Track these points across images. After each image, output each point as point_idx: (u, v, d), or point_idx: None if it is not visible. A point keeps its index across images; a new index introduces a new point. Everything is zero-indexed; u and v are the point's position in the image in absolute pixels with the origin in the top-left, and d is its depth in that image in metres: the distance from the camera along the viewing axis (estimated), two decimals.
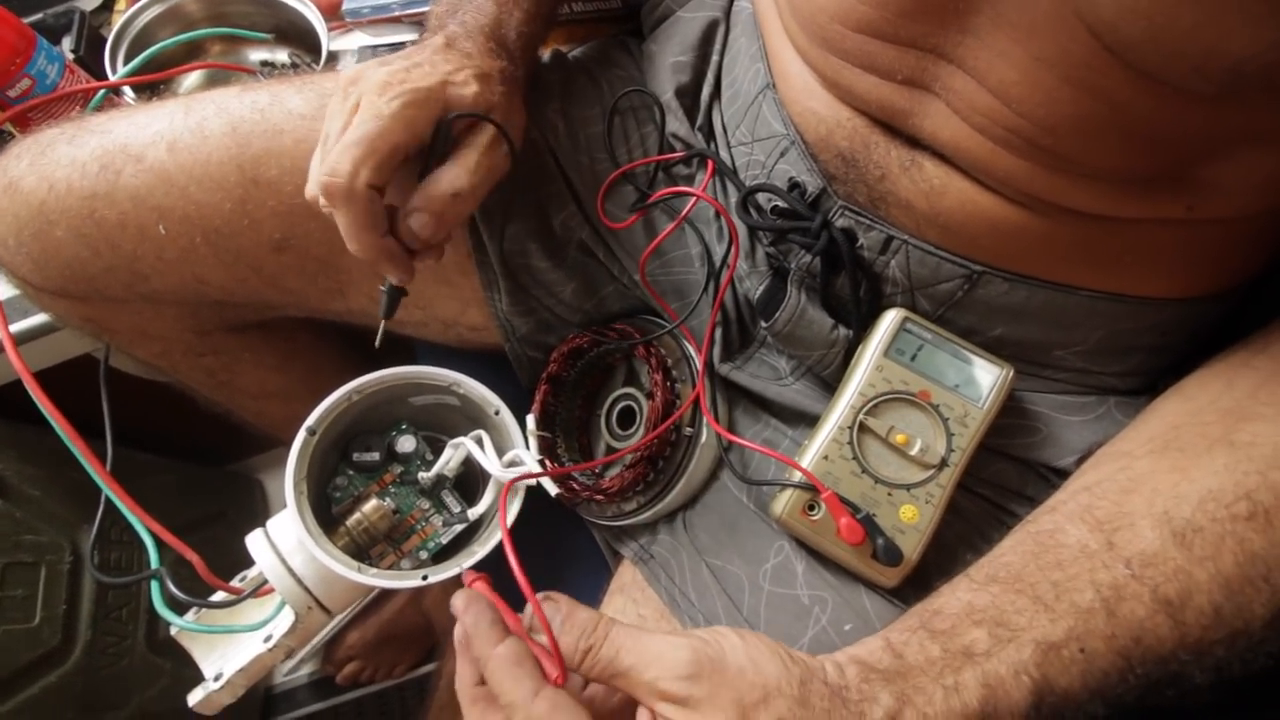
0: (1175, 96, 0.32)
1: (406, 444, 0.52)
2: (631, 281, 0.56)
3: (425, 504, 0.51)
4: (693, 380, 0.52)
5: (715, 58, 0.55)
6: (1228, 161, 0.36)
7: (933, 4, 0.36)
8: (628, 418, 0.57)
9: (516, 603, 0.38)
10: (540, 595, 0.37)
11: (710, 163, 0.52)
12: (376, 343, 0.49)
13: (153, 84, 0.70)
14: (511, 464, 0.49)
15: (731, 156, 0.52)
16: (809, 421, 0.49)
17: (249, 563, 0.47)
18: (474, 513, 0.51)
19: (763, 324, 0.50)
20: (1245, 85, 0.31)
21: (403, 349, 0.60)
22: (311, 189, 0.43)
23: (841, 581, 0.45)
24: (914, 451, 0.44)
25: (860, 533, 0.42)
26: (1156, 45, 0.31)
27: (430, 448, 0.53)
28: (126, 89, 0.68)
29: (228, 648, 0.48)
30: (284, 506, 0.45)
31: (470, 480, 0.54)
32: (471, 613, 0.37)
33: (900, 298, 0.46)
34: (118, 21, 0.71)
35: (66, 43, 0.71)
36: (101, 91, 0.67)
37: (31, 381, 0.49)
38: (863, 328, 0.47)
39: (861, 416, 0.44)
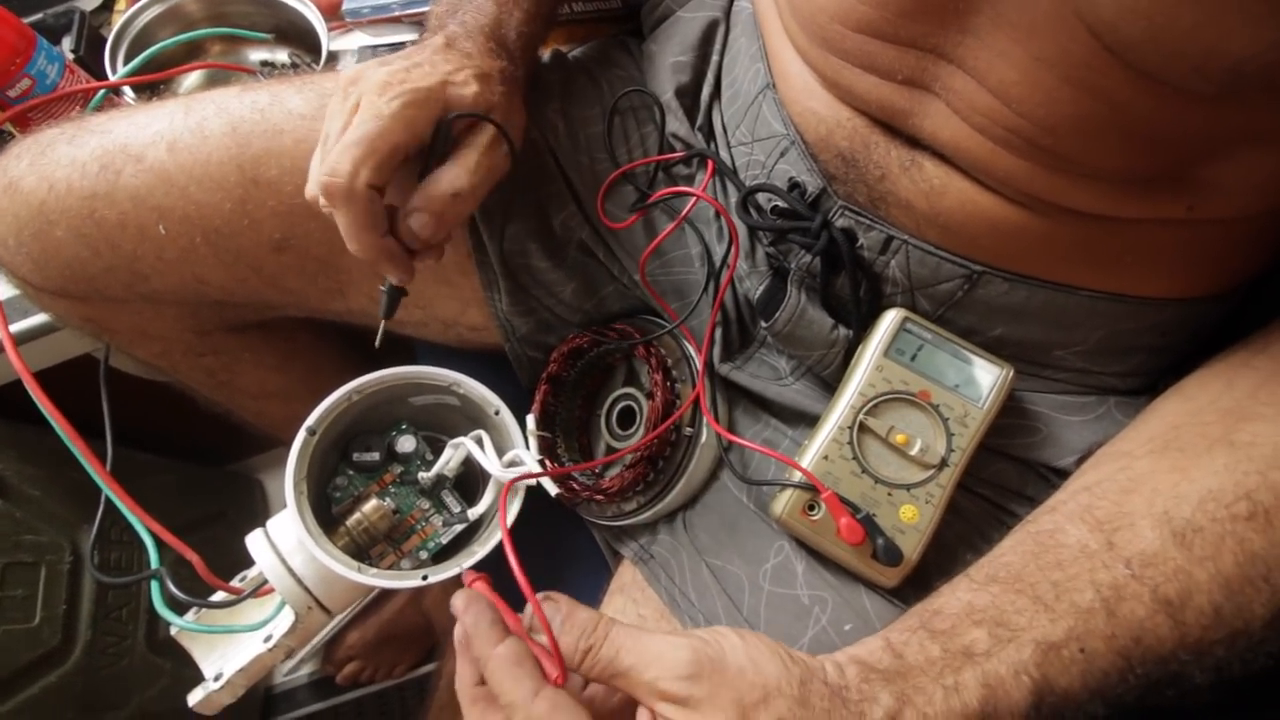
0: (1175, 96, 0.32)
1: (406, 444, 0.52)
2: (631, 281, 0.56)
3: (425, 504, 0.51)
4: (693, 380, 0.52)
5: (715, 58, 0.55)
6: (1228, 161, 0.36)
7: (933, 4, 0.36)
8: (628, 418, 0.57)
9: (516, 603, 0.38)
10: (540, 595, 0.37)
11: (710, 163, 0.52)
12: (376, 343, 0.49)
13: (153, 84, 0.70)
14: (511, 464, 0.49)
15: (731, 156, 0.52)
16: (809, 421, 0.49)
17: (249, 563, 0.47)
18: (474, 513, 0.51)
19: (763, 324, 0.50)
20: (1245, 85, 0.31)
21: (403, 349, 0.60)
22: (311, 189, 0.43)
23: (841, 581, 0.45)
24: (914, 451, 0.44)
25: (860, 533, 0.42)
26: (1157, 45, 0.31)
27: (430, 448, 0.53)
28: (126, 89, 0.68)
29: (228, 648, 0.48)
30: (284, 506, 0.45)
31: (470, 480, 0.54)
32: (471, 613, 0.37)
33: (900, 298, 0.46)
34: (118, 21, 0.72)
35: (66, 43, 0.71)
36: (101, 91, 0.67)
37: (31, 381, 0.49)
38: (863, 328, 0.47)
39: (861, 416, 0.44)
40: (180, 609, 0.46)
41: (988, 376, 0.44)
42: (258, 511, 1.08)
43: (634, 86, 0.57)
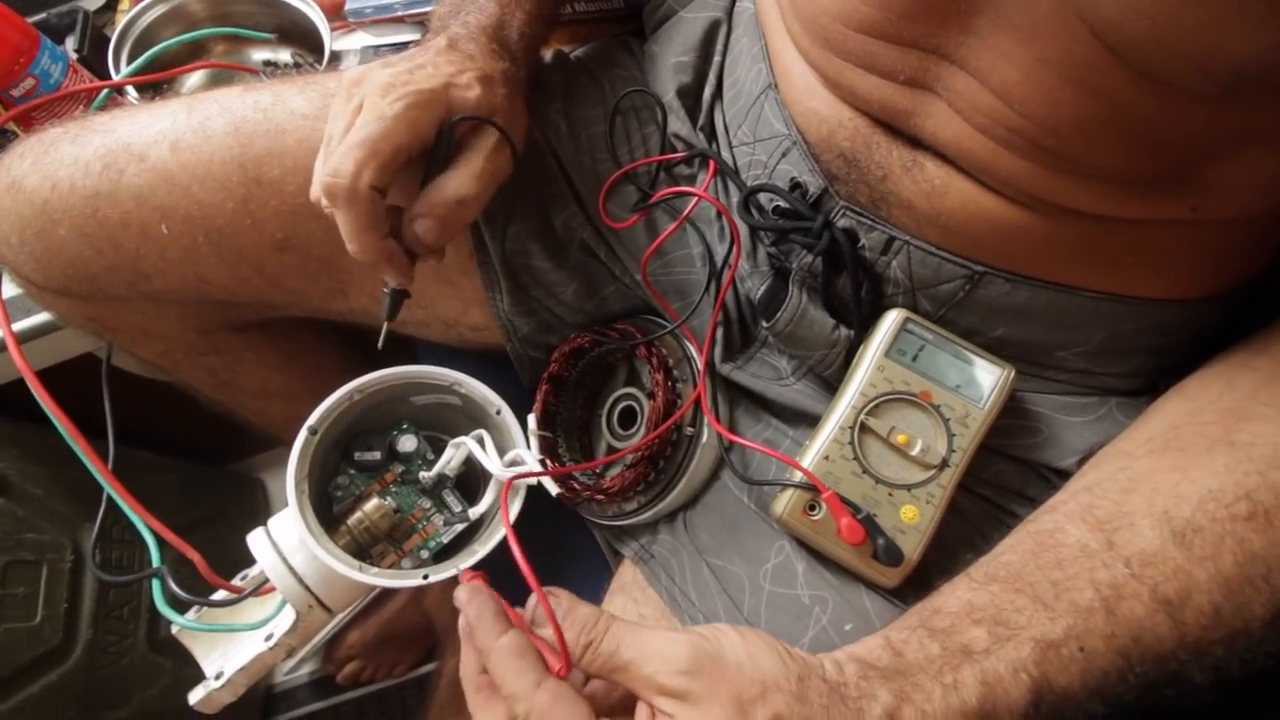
0: (1177, 97, 0.32)
1: (408, 443, 0.52)
2: (633, 281, 0.56)
3: (426, 503, 0.51)
4: (694, 380, 0.52)
5: (717, 58, 0.55)
6: (1230, 162, 0.36)
7: (935, 5, 0.36)
8: (629, 418, 0.57)
9: (516, 600, 0.38)
10: (543, 591, 0.37)
11: (712, 163, 0.52)
12: (379, 344, 0.49)
13: (156, 84, 0.70)
14: (513, 463, 0.49)
15: (733, 156, 0.52)
16: (810, 422, 0.49)
17: (250, 562, 0.47)
18: (475, 512, 0.51)
19: (764, 324, 0.50)
20: (1247, 86, 0.31)
21: (404, 348, 0.60)
22: (315, 190, 0.43)
23: (842, 581, 0.45)
24: (915, 452, 0.44)
25: (861, 533, 0.42)
26: (1159, 46, 0.31)
27: (431, 447, 0.53)
28: (130, 89, 0.69)
29: (229, 646, 0.48)
30: (285, 506, 0.46)
31: (471, 480, 0.54)
32: (474, 605, 0.38)
33: (902, 298, 0.46)
34: (121, 21, 0.72)
35: (70, 42, 0.71)
36: (105, 91, 0.67)
37: (34, 380, 0.49)
38: (864, 328, 0.47)
39: (863, 417, 0.45)
40: (181, 607, 0.46)
41: (989, 377, 0.44)
42: (259, 511, 1.09)
43: (636, 87, 0.57)
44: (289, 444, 0.47)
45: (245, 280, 0.55)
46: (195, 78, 0.75)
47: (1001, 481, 0.46)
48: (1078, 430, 0.45)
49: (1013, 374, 0.44)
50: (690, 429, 0.51)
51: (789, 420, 0.51)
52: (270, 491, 1.12)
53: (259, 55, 0.78)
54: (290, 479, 0.45)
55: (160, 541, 0.45)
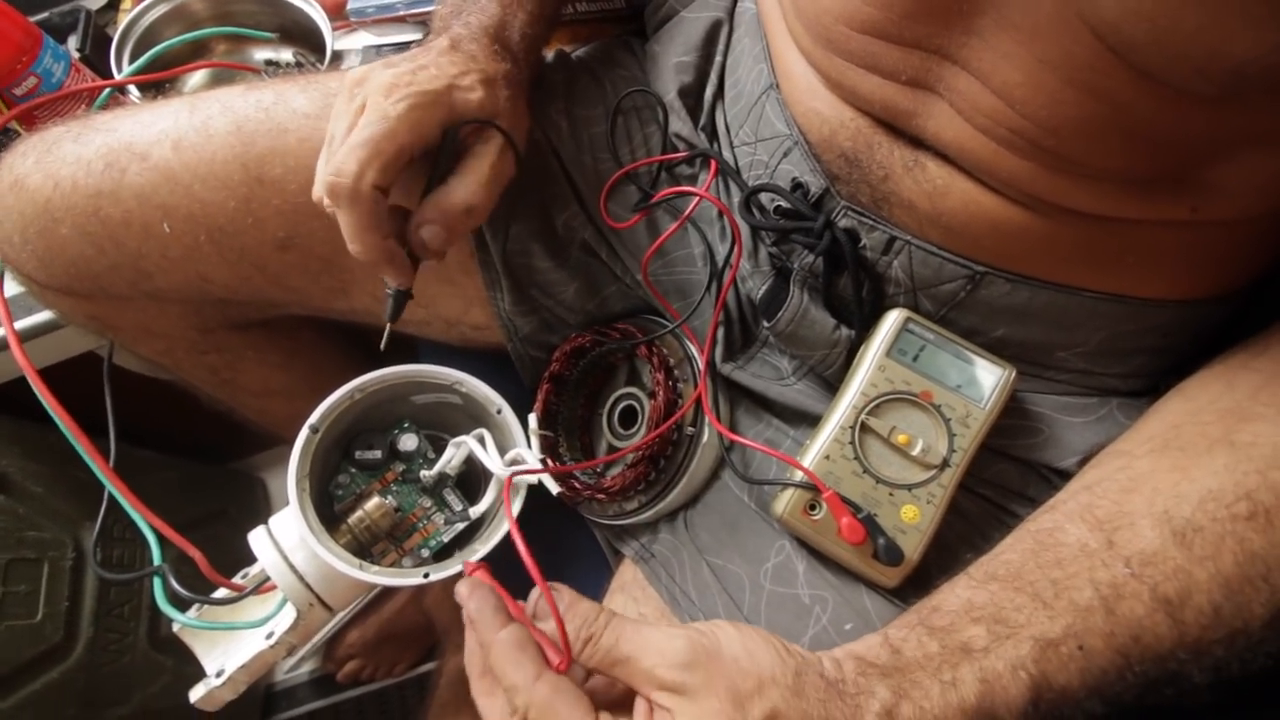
0: (1178, 98, 0.33)
1: (409, 442, 0.52)
2: (634, 281, 0.56)
3: (427, 502, 0.51)
4: (695, 380, 0.52)
5: (719, 58, 0.55)
6: (1231, 163, 0.36)
7: (937, 6, 0.36)
8: (629, 417, 0.57)
9: (518, 595, 0.39)
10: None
11: (713, 163, 0.52)
12: (382, 345, 0.49)
13: (158, 83, 0.70)
14: (513, 462, 0.49)
15: (734, 156, 0.52)
16: (811, 421, 0.49)
17: (251, 560, 0.47)
18: (475, 511, 0.51)
19: (765, 324, 0.50)
20: (1248, 87, 0.31)
21: (405, 347, 0.61)
22: (317, 190, 0.43)
23: (842, 581, 0.45)
24: (915, 452, 0.44)
25: (861, 532, 0.42)
26: (1160, 47, 0.31)
27: (432, 446, 0.53)
28: (132, 88, 0.69)
29: (229, 644, 0.48)
30: (286, 504, 0.46)
31: (472, 479, 0.54)
32: (476, 598, 0.38)
33: (903, 298, 0.46)
34: (123, 20, 0.72)
35: (72, 41, 0.71)
36: (107, 90, 0.67)
37: (36, 378, 0.49)
38: (865, 328, 0.47)
39: (863, 416, 0.45)
40: (182, 605, 0.46)
41: (990, 377, 0.44)
42: (260, 509, 1.09)
43: (637, 86, 0.57)
44: (290, 443, 0.47)
45: (247, 279, 0.55)
46: (197, 77, 0.75)
47: (1002, 481, 0.46)
48: (1078, 431, 0.45)
49: (1014, 374, 0.44)
50: (691, 428, 0.51)
51: (790, 420, 0.51)
52: (271, 490, 1.12)
53: (261, 55, 0.78)
54: (291, 477, 0.45)
55: (161, 539, 0.46)
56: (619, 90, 0.57)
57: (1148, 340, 0.44)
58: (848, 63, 0.41)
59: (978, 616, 0.35)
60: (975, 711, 0.33)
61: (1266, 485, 0.34)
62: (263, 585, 0.47)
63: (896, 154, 0.42)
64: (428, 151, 0.44)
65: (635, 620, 0.36)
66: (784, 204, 0.47)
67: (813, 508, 0.44)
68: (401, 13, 0.74)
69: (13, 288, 0.60)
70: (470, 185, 0.44)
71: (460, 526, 0.51)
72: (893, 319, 0.45)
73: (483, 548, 0.46)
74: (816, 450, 0.45)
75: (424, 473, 0.51)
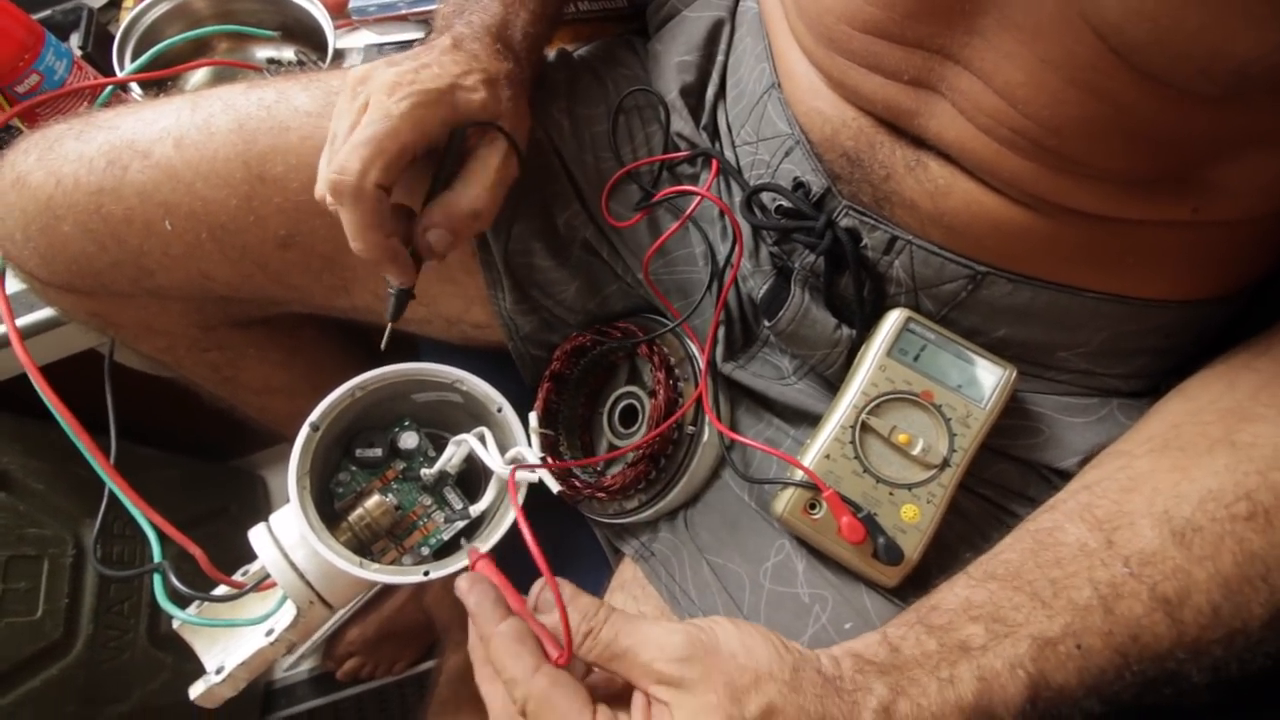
0: (1180, 98, 0.33)
1: (409, 440, 0.52)
2: (635, 280, 0.56)
3: (427, 500, 0.51)
4: (695, 379, 0.52)
5: (720, 57, 0.55)
6: (1233, 164, 0.36)
7: (940, 6, 0.36)
8: (630, 416, 0.57)
9: (519, 590, 0.39)
10: (544, 580, 0.38)
11: (715, 162, 0.52)
12: (382, 344, 0.49)
13: (160, 80, 0.70)
14: (514, 461, 0.49)
15: (736, 156, 0.52)
16: (811, 421, 0.49)
17: (251, 558, 0.47)
18: (476, 509, 0.51)
19: (766, 323, 0.50)
20: (1250, 87, 0.31)
21: (406, 346, 0.61)
22: (320, 188, 0.43)
23: (842, 580, 0.45)
24: (916, 451, 0.44)
25: (861, 532, 0.42)
26: (1162, 47, 0.31)
27: (433, 444, 0.53)
28: (134, 85, 0.69)
29: (229, 641, 0.48)
30: (286, 502, 0.46)
31: (472, 477, 0.54)
32: (475, 593, 0.39)
33: (904, 298, 0.46)
34: (125, 18, 0.72)
35: (74, 39, 0.71)
36: (109, 88, 0.67)
37: (37, 375, 0.49)
38: (866, 328, 0.47)
39: (864, 416, 0.45)
40: (182, 602, 0.46)
41: (990, 377, 0.44)
42: (260, 507, 1.09)
43: (639, 86, 0.57)
44: (290, 440, 0.47)
45: (248, 277, 0.55)
46: (199, 75, 0.75)
47: (1002, 481, 0.46)
48: (1079, 431, 0.45)
49: (1014, 374, 0.44)
50: (691, 427, 0.52)
51: (790, 419, 0.51)
52: (271, 488, 1.12)
53: (263, 53, 0.78)
54: (292, 475, 0.45)
55: (162, 536, 0.46)
56: (621, 89, 0.57)
57: (1149, 341, 0.44)
58: (850, 62, 0.41)
59: (976, 615, 0.35)
60: (973, 709, 0.33)
61: (1266, 486, 0.34)
62: (263, 583, 0.47)
63: (898, 153, 0.42)
64: (430, 150, 0.44)
65: (634, 615, 0.37)
66: (785, 203, 0.47)
67: (813, 507, 0.44)
68: (403, 11, 0.74)
69: (14, 285, 0.60)
70: (477, 190, 0.44)
71: (460, 525, 0.51)
72: (894, 319, 0.45)
73: (483, 546, 0.46)
74: (817, 449, 0.45)
75: (424, 471, 0.51)
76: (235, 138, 0.51)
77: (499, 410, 0.51)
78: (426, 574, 0.45)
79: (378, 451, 0.51)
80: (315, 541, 0.44)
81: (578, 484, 0.55)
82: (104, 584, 0.78)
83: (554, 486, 0.51)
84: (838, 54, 0.42)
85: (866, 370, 0.45)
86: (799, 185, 0.47)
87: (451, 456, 0.51)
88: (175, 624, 0.47)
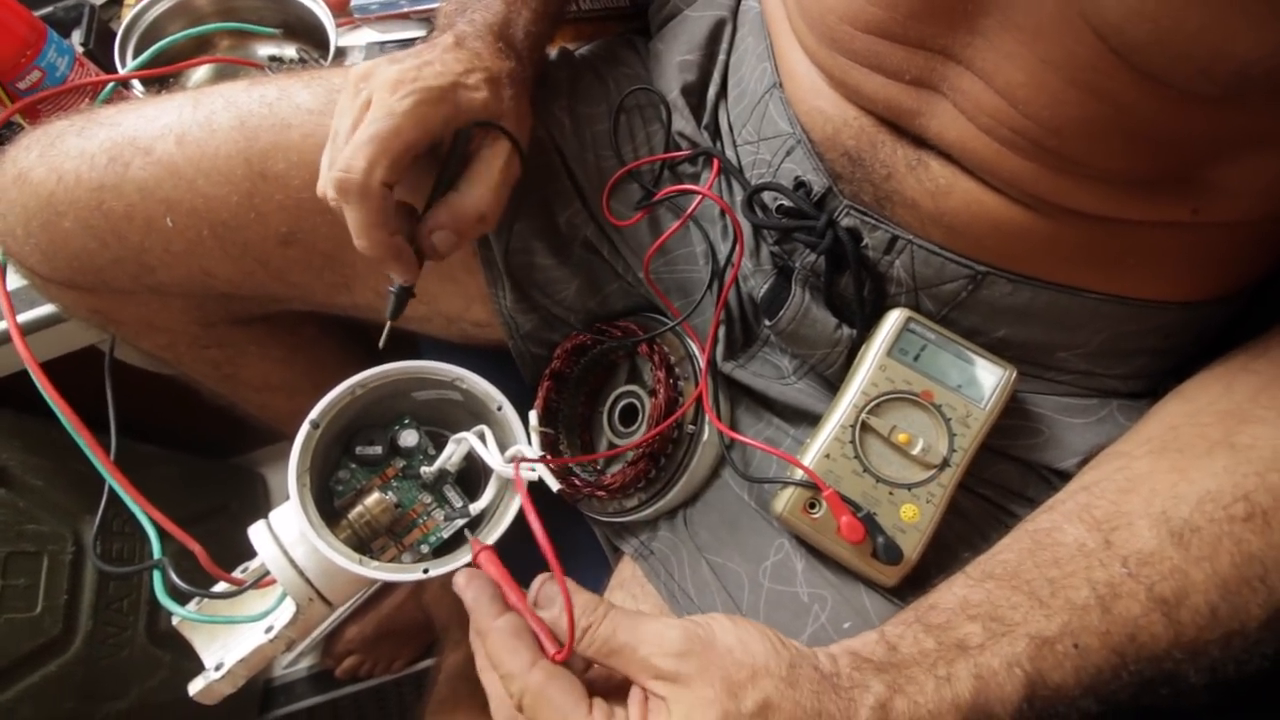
0: (1181, 99, 0.33)
1: (409, 438, 0.52)
2: (636, 279, 0.56)
3: (427, 498, 0.51)
4: (695, 378, 0.52)
5: (722, 57, 0.55)
6: (1233, 165, 0.36)
7: (942, 6, 0.36)
8: (630, 415, 0.57)
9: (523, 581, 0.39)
10: (545, 576, 0.38)
11: (716, 161, 0.52)
12: (381, 343, 0.49)
13: (161, 78, 0.70)
14: (514, 459, 0.49)
15: (737, 155, 0.52)
16: (811, 420, 0.50)
17: (251, 555, 0.47)
18: (475, 507, 0.51)
19: (766, 323, 0.50)
20: (1251, 88, 0.31)
21: (406, 344, 0.61)
22: (323, 186, 0.43)
23: (841, 580, 0.45)
24: (916, 451, 0.44)
25: (861, 531, 0.42)
26: (1162, 48, 0.31)
27: (433, 442, 0.53)
28: (135, 82, 0.69)
29: (229, 638, 0.48)
30: (286, 500, 0.46)
31: (472, 476, 0.54)
32: (472, 589, 0.39)
33: (904, 298, 0.46)
34: (127, 15, 0.72)
35: (76, 36, 0.71)
36: (110, 84, 0.67)
37: (38, 372, 0.49)
38: (866, 327, 0.47)
39: (864, 416, 0.45)
40: (182, 599, 0.46)
41: (990, 377, 0.44)
42: (260, 505, 1.09)
43: (640, 85, 0.57)
44: (290, 438, 0.47)
45: (249, 274, 0.55)
46: (200, 72, 0.75)
47: (1002, 482, 0.46)
48: (1079, 432, 0.46)
49: (1014, 375, 0.44)
50: (691, 426, 0.52)
51: (790, 419, 0.52)
52: (271, 486, 1.12)
53: (264, 50, 0.78)
54: (292, 472, 0.45)
55: (161, 533, 0.46)
56: (622, 88, 0.57)
57: (1149, 341, 0.44)
58: (851, 62, 0.41)
59: (974, 614, 0.35)
60: (970, 707, 0.33)
61: (1265, 487, 0.34)
62: (262, 579, 0.46)
63: (900, 153, 0.42)
64: (433, 148, 0.44)
65: (632, 611, 0.37)
66: (786, 203, 0.47)
67: (812, 506, 0.44)
68: (405, 9, 0.74)
69: (15, 281, 0.60)
70: (482, 192, 0.44)
71: (460, 523, 0.51)
72: (894, 318, 0.45)
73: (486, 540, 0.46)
74: (817, 449, 0.45)
75: (424, 469, 0.51)
76: (237, 135, 0.51)
77: (499, 408, 0.51)
78: (426, 571, 0.45)
79: (378, 449, 0.51)
80: (315, 538, 0.44)
81: (577, 482, 0.55)
82: (103, 581, 0.78)
83: (554, 485, 0.51)
84: (839, 54, 0.42)
85: (867, 370, 0.45)
86: (800, 185, 0.47)
87: (451, 454, 0.50)
88: (174, 620, 0.47)
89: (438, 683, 0.88)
